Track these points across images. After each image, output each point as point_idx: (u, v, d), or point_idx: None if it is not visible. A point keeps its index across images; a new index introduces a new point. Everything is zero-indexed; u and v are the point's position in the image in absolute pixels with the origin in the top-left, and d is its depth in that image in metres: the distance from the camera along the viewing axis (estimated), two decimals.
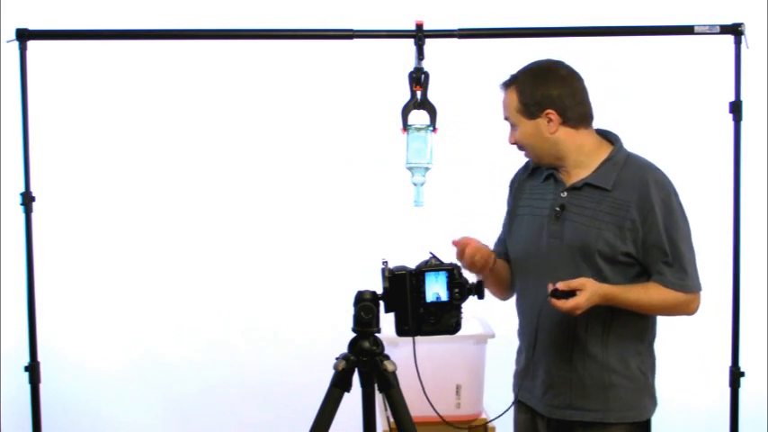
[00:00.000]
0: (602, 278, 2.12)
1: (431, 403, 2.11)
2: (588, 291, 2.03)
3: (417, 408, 2.09)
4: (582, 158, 2.20)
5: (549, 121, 2.17)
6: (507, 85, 2.23)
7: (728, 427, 2.70)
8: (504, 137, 2.37)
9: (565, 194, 2.21)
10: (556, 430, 2.24)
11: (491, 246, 2.36)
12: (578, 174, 2.21)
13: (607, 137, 2.26)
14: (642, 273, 2.17)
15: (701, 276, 2.23)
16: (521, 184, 2.38)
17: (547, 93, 2.17)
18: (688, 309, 2.19)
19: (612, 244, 2.12)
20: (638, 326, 2.19)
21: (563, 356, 2.19)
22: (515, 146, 2.25)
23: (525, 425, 2.33)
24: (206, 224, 3.51)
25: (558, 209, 2.21)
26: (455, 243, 2.23)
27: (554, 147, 2.20)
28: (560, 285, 2.04)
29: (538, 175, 2.33)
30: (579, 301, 2.02)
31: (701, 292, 2.19)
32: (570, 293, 2.03)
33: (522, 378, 2.32)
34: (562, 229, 2.19)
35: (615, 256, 2.13)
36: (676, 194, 2.17)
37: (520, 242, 2.31)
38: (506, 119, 2.24)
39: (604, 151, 2.21)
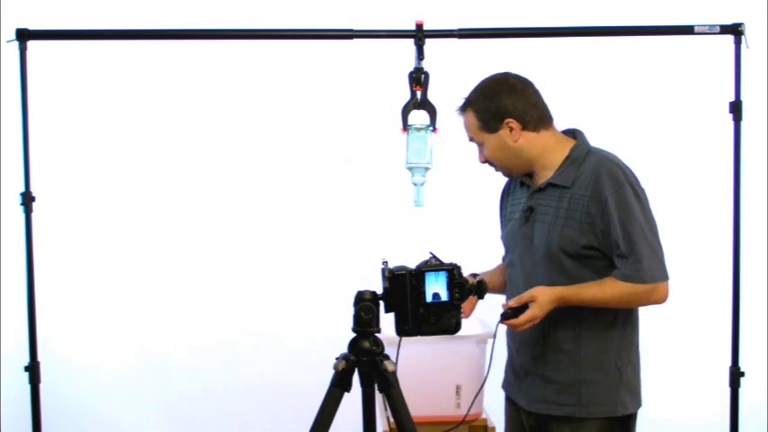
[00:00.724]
0: (567, 275, 2.16)
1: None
2: (539, 300, 2.08)
3: (417, 408, 2.09)
4: (547, 160, 2.23)
5: (511, 129, 2.20)
6: (463, 109, 2.26)
7: (728, 428, 2.70)
8: None
9: (532, 197, 2.25)
10: (536, 422, 2.27)
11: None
12: (545, 175, 2.24)
13: (573, 135, 2.28)
14: (610, 265, 2.16)
15: (700, 275, 2.23)
16: (507, 194, 2.42)
17: (501, 104, 2.20)
18: (650, 299, 2.15)
19: (573, 239, 2.15)
20: (610, 321, 2.19)
21: (537, 352, 2.23)
22: (486, 164, 2.28)
23: (512, 416, 2.39)
24: (206, 224, 3.51)
25: (526, 212, 2.25)
26: None
27: (520, 154, 2.23)
28: (511, 303, 2.09)
29: (515, 182, 2.38)
30: (533, 313, 2.07)
31: (668, 282, 2.15)
32: (524, 307, 2.07)
33: (506, 374, 2.39)
34: (532, 231, 2.23)
35: (578, 252, 2.15)
36: (633, 185, 2.15)
37: (506, 247, 2.38)
38: (471, 140, 2.27)
39: (567, 149, 2.24)
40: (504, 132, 2.21)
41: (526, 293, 2.10)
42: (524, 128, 2.20)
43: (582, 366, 2.18)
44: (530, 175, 2.28)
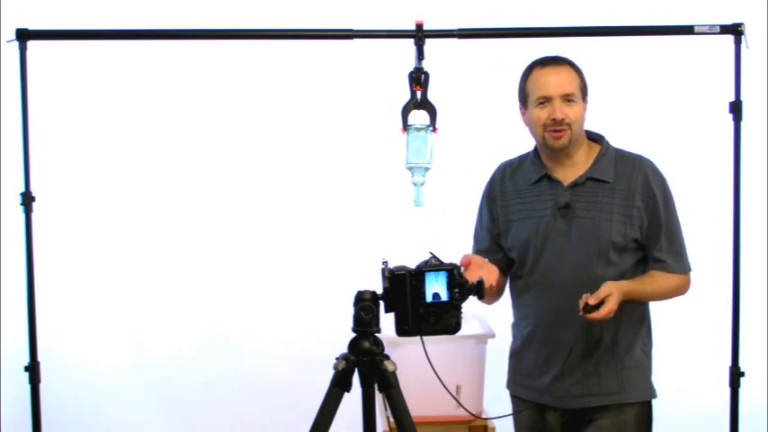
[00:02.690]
0: (615, 267, 2.22)
1: (453, 396, 2.10)
2: (615, 295, 2.12)
3: (417, 408, 2.09)
4: (582, 154, 2.29)
5: (585, 108, 2.27)
6: (565, 61, 2.27)
7: (728, 427, 2.69)
8: (501, 136, 2.38)
9: (567, 193, 2.24)
10: (571, 419, 2.30)
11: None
12: (575, 171, 2.27)
13: (591, 136, 2.33)
14: (644, 258, 2.28)
15: (700, 275, 2.33)
16: (503, 193, 2.38)
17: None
18: (684, 289, 2.31)
19: (624, 233, 2.22)
20: (640, 311, 2.30)
21: (578, 348, 2.25)
22: (558, 121, 2.21)
23: (531, 418, 2.36)
24: (206, 224, 3.51)
25: (563, 208, 2.24)
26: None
27: (582, 134, 2.29)
28: (591, 300, 2.11)
29: (522, 179, 2.35)
30: (611, 307, 2.11)
31: (691, 273, 2.32)
32: (599, 303, 2.12)
33: (529, 378, 2.35)
34: (569, 226, 2.24)
35: (626, 245, 2.23)
36: (666, 180, 2.30)
37: (522, 246, 2.32)
38: (566, 94, 2.22)
39: (594, 148, 2.30)
40: (585, 106, 2.27)
41: (603, 290, 2.12)
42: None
43: (619, 355, 2.26)
44: (549, 167, 2.28)
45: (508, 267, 2.40)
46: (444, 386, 2.13)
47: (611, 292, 2.12)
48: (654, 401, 2.34)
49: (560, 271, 2.25)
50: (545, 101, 2.22)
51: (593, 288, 2.15)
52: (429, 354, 2.14)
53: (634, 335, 2.29)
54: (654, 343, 2.36)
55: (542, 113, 2.23)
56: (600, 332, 2.24)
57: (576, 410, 2.28)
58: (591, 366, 2.25)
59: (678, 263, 2.26)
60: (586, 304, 2.11)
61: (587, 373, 2.26)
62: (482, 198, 2.45)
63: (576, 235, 2.23)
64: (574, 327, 2.23)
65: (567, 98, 2.21)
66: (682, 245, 2.28)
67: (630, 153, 2.32)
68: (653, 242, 2.24)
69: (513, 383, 2.42)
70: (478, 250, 2.45)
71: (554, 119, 2.21)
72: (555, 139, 2.23)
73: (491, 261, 2.38)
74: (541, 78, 2.24)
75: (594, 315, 2.11)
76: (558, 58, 2.27)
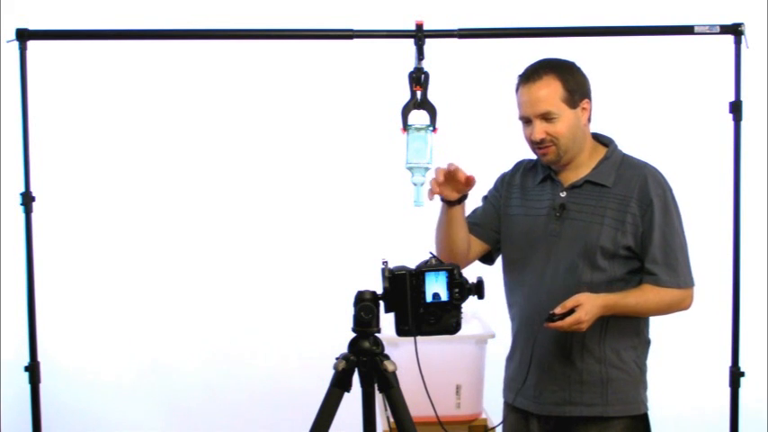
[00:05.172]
0: (601, 272, 2.16)
1: (432, 403, 2.11)
2: (586, 305, 2.06)
3: (417, 408, 2.09)
4: (586, 156, 2.24)
5: (583, 110, 2.19)
6: (543, 74, 2.15)
7: (728, 427, 2.69)
8: (501, 136, 2.37)
9: (564, 194, 2.24)
10: (554, 427, 2.25)
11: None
12: (577, 174, 2.24)
13: (599, 139, 2.29)
14: (640, 267, 2.19)
15: (700, 275, 2.26)
16: (510, 185, 2.38)
17: (584, 82, 2.20)
18: (682, 305, 2.21)
19: (614, 238, 2.15)
20: (633, 320, 2.22)
21: (562, 353, 2.21)
22: (538, 142, 2.17)
23: (516, 424, 2.33)
24: (206, 224, 3.51)
25: (557, 208, 2.22)
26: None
27: (582, 140, 2.22)
28: (557, 310, 2.07)
29: (531, 178, 2.35)
30: (579, 317, 2.04)
31: (694, 288, 2.22)
32: (568, 313, 2.05)
33: (514, 381, 2.33)
34: (561, 227, 2.22)
35: (617, 251, 2.16)
36: (671, 190, 2.21)
37: (515, 243, 2.32)
38: (543, 114, 2.15)
39: (600, 152, 2.26)
40: (579, 111, 2.18)
41: (571, 299, 2.07)
42: (589, 117, 2.22)
43: (606, 365, 2.20)
44: (562, 166, 2.24)
45: (482, 246, 2.36)
46: (427, 391, 2.10)
47: (581, 303, 2.05)
48: (652, 402, 2.30)
49: (548, 271, 2.22)
50: (525, 121, 2.21)
51: (576, 291, 2.11)
52: (429, 354, 2.15)
53: (624, 343, 2.21)
54: (653, 343, 2.32)
55: (526, 132, 2.21)
56: (584, 336, 2.17)
57: (560, 420, 2.23)
58: (575, 373, 2.20)
59: (671, 276, 2.15)
60: (553, 314, 2.05)
61: (571, 381, 2.20)
62: (496, 181, 2.43)
63: (566, 236, 2.20)
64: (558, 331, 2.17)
65: (545, 117, 2.15)
66: (679, 258, 2.16)
67: (636, 160, 2.25)
68: (646, 253, 2.16)
69: (506, 389, 2.39)
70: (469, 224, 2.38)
71: (532, 141, 2.19)
72: (542, 156, 2.22)
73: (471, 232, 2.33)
74: (521, 98, 2.20)
75: (557, 324, 2.05)
76: (536, 71, 2.16)
